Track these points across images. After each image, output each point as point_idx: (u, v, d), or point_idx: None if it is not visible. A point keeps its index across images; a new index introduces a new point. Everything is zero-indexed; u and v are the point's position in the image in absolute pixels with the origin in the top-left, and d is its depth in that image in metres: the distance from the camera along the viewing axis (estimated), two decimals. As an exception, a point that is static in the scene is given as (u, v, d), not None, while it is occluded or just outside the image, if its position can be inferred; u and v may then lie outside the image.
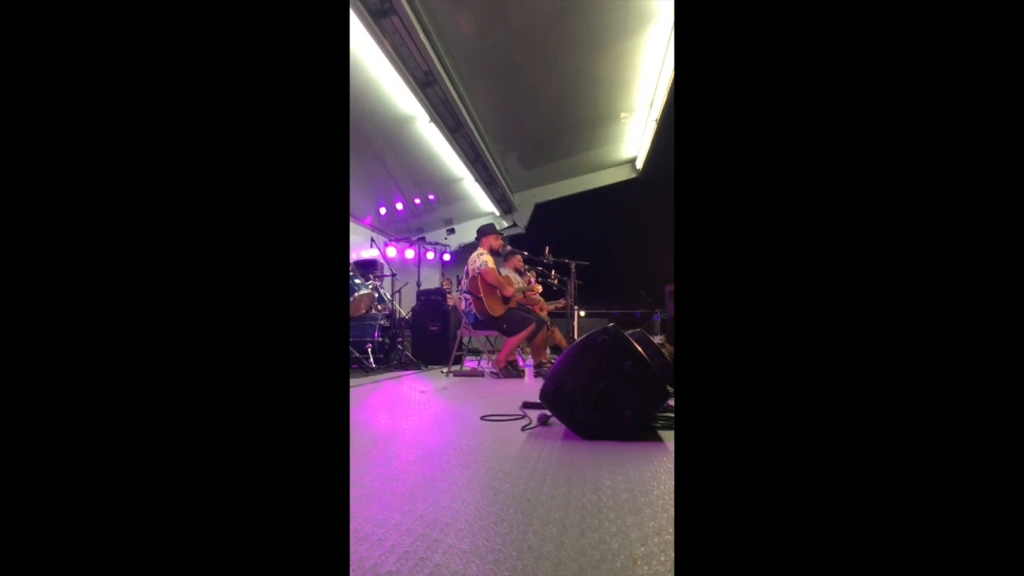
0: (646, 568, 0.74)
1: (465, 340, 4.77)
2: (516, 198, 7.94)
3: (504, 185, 7.16)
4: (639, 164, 7.54)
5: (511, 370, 4.04)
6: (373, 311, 4.71)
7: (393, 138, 5.33)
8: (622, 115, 6.09)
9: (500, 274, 4.17)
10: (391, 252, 6.58)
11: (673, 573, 0.72)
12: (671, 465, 1.32)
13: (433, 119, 4.82)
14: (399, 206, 6.91)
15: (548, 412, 1.81)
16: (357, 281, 4.55)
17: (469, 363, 4.98)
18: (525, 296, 4.50)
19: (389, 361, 4.68)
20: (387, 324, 4.78)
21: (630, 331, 2.34)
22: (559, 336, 5.21)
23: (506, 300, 4.13)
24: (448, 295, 5.53)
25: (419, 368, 4.63)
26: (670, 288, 4.93)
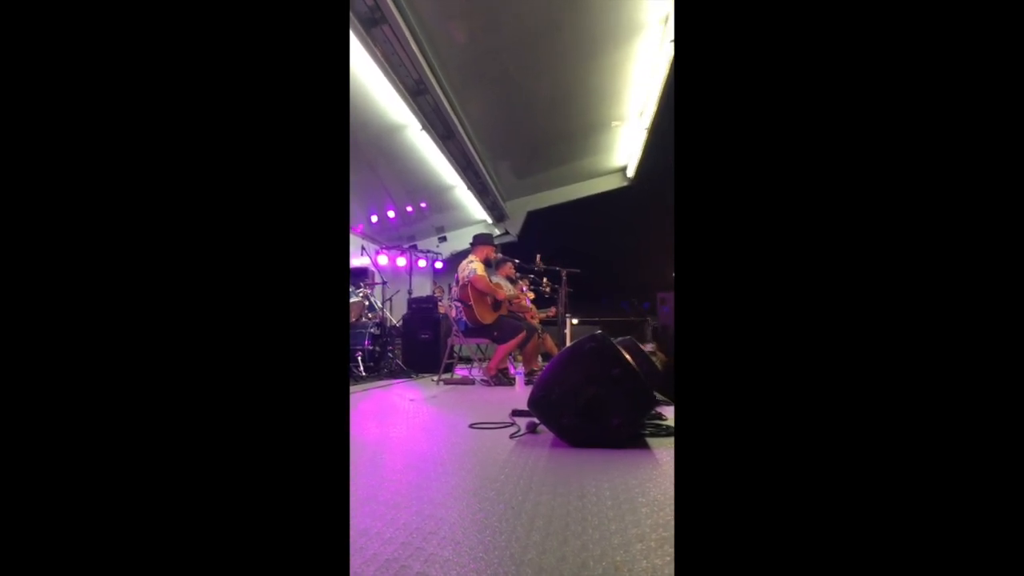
0: (627, 574, 0.74)
1: (456, 348, 4.75)
2: (508, 206, 7.95)
3: (496, 193, 7.17)
4: (630, 172, 7.58)
5: (502, 378, 4.03)
6: (364, 319, 4.69)
7: (385, 146, 5.33)
8: (613, 124, 6.13)
9: (491, 281, 4.17)
10: (382, 260, 6.54)
11: (653, 579, 0.72)
12: (656, 472, 1.32)
13: (425, 127, 4.83)
14: (391, 214, 6.89)
15: (536, 420, 1.81)
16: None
17: (460, 371, 4.96)
18: (511, 304, 4.49)
19: (379, 369, 4.66)
20: (378, 332, 4.75)
21: (619, 339, 2.34)
22: (550, 343, 5.20)
23: (499, 304, 4.12)
24: (439, 303, 5.51)
25: (410, 376, 4.61)
26: (662, 295, 4.93)
